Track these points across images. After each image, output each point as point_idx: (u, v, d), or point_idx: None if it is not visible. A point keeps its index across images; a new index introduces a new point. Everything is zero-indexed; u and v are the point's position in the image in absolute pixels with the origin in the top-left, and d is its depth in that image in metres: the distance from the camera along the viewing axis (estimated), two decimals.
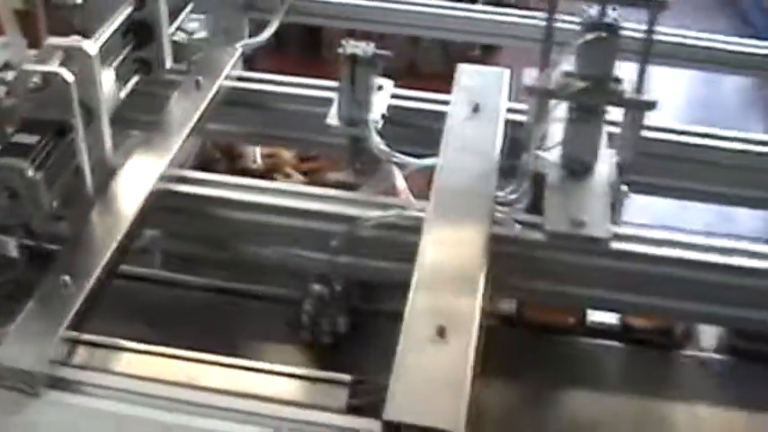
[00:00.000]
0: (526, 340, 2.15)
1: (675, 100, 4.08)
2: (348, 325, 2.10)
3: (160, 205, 1.86)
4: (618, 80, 1.83)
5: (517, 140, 1.95)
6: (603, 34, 1.77)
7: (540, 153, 1.90)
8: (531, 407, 1.95)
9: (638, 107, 1.85)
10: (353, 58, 2.00)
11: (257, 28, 2.59)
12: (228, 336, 2.10)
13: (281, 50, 3.67)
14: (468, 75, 2.15)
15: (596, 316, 2.21)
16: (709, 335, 2.19)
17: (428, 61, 4.27)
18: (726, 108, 4.19)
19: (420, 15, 2.75)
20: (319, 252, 1.86)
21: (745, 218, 3.09)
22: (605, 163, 1.92)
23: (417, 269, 1.61)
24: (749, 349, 2.15)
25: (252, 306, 2.24)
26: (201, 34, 2.27)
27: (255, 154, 3.03)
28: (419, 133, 2.12)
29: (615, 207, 1.92)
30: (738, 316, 1.86)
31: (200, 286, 2.29)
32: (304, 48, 4.27)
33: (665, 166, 2.14)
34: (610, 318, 2.21)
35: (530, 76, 1.91)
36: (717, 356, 2.17)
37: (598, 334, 2.19)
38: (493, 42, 3.14)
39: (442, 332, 1.47)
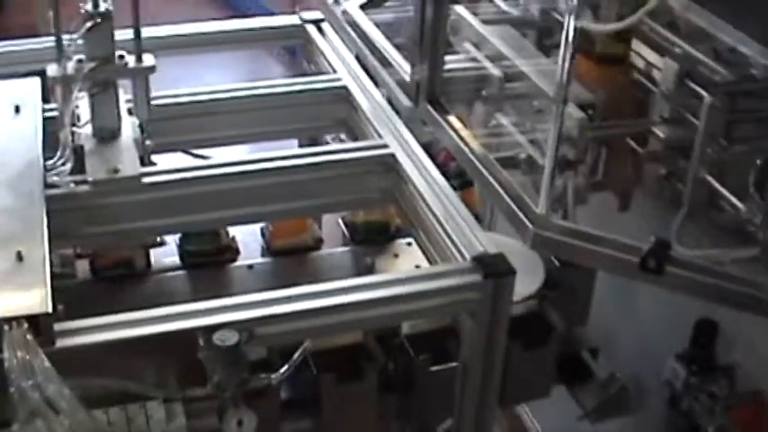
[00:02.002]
0: (102, 288, 2.57)
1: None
2: None
3: None
4: (121, 56, 2.34)
5: None
6: (99, 20, 2.25)
7: (75, 129, 2.36)
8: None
9: (139, 74, 2.37)
10: None
11: None
12: None
13: None
14: (6, 86, 2.56)
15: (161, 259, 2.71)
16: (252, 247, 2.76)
17: None
18: None
19: None
20: None
21: None
22: (128, 126, 2.42)
23: None
24: (282, 249, 2.74)
25: None
26: None
27: None
28: None
29: (144, 159, 2.42)
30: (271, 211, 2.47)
31: None
32: None
33: (185, 124, 2.68)
34: (173, 257, 2.71)
35: (52, 69, 2.34)
36: (261, 260, 2.73)
37: (164, 270, 2.67)
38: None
39: (20, 257, 1.90)
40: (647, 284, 2.55)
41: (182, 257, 2.67)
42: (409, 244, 2.78)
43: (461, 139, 2.23)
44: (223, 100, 2.68)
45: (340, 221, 2.86)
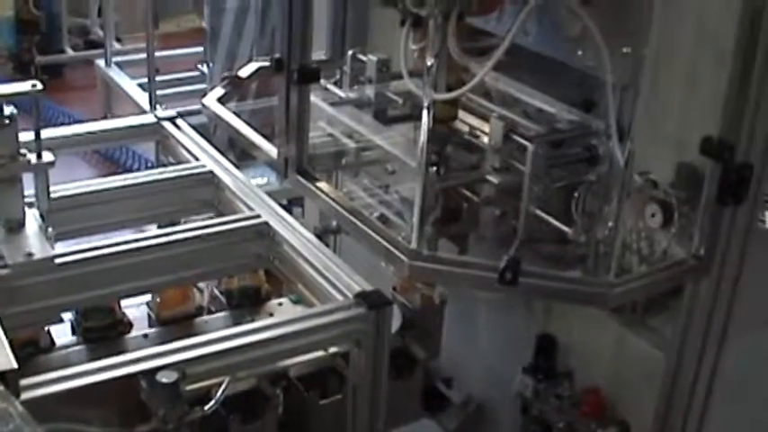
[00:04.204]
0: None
1: None
2: None
3: None
4: (22, 154, 2.63)
5: None
6: (7, 122, 2.55)
7: None
8: None
9: (40, 169, 2.67)
10: None
11: None
12: None
13: None
14: None
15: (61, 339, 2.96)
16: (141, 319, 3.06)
17: None
18: None
19: None
20: None
21: None
22: (31, 217, 2.71)
23: None
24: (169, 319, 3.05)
25: None
26: None
27: None
28: None
29: (50, 243, 2.71)
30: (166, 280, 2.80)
31: None
32: None
33: (77, 214, 2.99)
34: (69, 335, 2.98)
35: None
36: (153, 330, 3.03)
37: (67, 346, 2.93)
38: None
39: None
40: (487, 315, 3.02)
41: (81, 333, 2.93)
42: (280, 304, 3.15)
43: (333, 200, 2.63)
44: (108, 190, 3.02)
45: (215, 290, 3.20)
